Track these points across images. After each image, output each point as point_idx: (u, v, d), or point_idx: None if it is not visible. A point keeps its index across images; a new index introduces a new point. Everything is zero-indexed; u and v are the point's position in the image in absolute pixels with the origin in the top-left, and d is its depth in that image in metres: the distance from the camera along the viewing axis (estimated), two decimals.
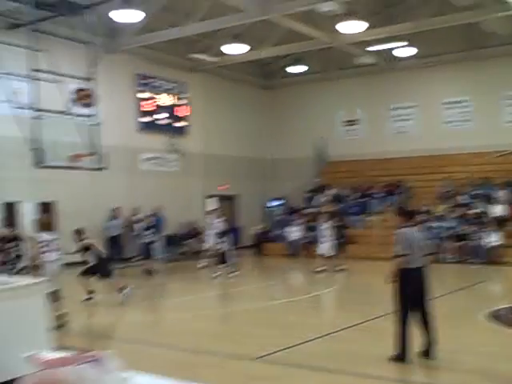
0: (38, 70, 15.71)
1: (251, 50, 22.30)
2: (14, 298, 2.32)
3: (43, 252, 9.52)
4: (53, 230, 10.09)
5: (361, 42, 22.55)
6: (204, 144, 24.57)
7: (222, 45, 21.98)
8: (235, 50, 21.85)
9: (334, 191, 24.58)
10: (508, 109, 23.42)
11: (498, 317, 9.53)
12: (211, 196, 22.29)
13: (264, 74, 28.18)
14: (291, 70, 26.09)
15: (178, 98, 23.73)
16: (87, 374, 2.03)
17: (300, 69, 25.91)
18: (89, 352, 2.14)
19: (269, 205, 26.38)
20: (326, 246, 16.13)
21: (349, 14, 18.83)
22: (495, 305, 10.95)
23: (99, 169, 16.36)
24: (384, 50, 23.63)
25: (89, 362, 2.07)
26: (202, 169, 24.37)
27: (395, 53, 23.93)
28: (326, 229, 16.43)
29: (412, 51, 23.61)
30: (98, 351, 2.10)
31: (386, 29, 21.14)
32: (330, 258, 15.97)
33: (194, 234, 22.68)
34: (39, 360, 2.13)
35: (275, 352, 7.64)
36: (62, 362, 2.05)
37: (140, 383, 2.77)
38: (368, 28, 19.90)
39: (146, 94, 22.52)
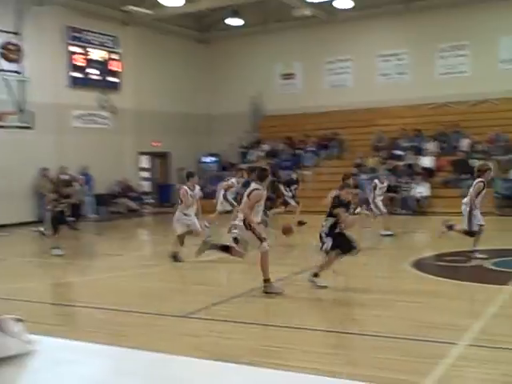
0: None
1: (187, 1, 21.85)
2: None
3: None
4: None
5: None
6: (137, 100, 24.07)
7: None
8: (171, 1, 21.37)
9: (268, 146, 24.75)
10: (442, 61, 23.83)
11: (423, 265, 10.00)
12: (144, 153, 21.87)
13: (200, 28, 27.72)
14: (229, 22, 25.73)
15: (111, 52, 23.14)
16: None
17: (237, 22, 25.56)
18: None
19: (203, 160, 26.36)
20: None
21: None
22: (420, 254, 11.44)
23: (26, 127, 16.00)
24: (323, 1, 23.56)
25: None
26: (134, 125, 23.93)
27: (335, 4, 23.89)
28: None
29: (350, 3, 23.66)
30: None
31: None
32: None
33: (127, 192, 22.49)
34: None
35: (203, 308, 7.70)
36: None
37: (48, 346, 2.75)
38: None
39: (77, 48, 21.86)
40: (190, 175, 11.51)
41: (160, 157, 25.88)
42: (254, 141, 25.75)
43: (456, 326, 6.61)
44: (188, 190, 11.16)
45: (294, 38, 25.97)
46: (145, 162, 25.47)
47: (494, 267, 10.03)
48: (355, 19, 24.56)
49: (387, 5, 23.94)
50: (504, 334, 6.36)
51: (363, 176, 20.24)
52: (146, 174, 25.39)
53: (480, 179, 10.44)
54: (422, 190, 19.40)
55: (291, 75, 26.65)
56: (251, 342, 6.39)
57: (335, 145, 23.82)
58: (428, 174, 20.24)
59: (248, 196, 8.40)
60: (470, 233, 10.50)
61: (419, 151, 21.44)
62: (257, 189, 8.42)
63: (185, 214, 11.34)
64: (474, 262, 10.33)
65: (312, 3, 23.72)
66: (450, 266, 10.53)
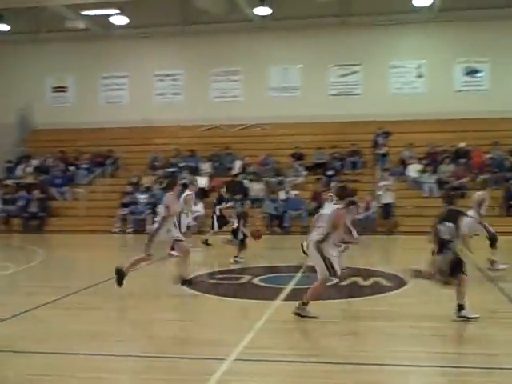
0: None
1: None
2: None
3: None
4: None
5: (74, 5, 21.74)
6: None
7: None
8: None
9: (37, 161, 23.39)
10: (216, 85, 24.59)
11: (195, 283, 9.82)
12: None
13: None
14: None
15: None
16: None
17: (3, 27, 23.89)
18: None
19: None
20: None
21: None
22: (192, 272, 11.34)
23: None
24: (98, 15, 23.04)
25: None
26: None
27: (111, 20, 23.49)
28: None
29: (125, 20, 23.41)
30: None
31: None
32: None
33: None
34: None
35: None
36: None
37: None
38: None
39: None
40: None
41: None
42: (21, 155, 24.12)
43: (224, 342, 6.63)
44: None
45: (68, 50, 25.13)
46: None
47: (261, 283, 10.35)
48: (132, 36, 24.43)
49: (164, 25, 24.14)
50: (270, 347, 6.51)
51: (139, 195, 20.11)
52: None
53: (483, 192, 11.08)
54: (197, 209, 19.60)
55: (64, 88, 25.63)
56: (15, 373, 5.77)
57: (110, 162, 23.23)
58: (203, 193, 20.56)
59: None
60: (493, 237, 10.74)
61: (195, 171, 21.74)
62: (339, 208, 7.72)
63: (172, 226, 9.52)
64: (244, 279, 10.56)
65: (87, 16, 23.11)
66: (220, 284, 10.64)
